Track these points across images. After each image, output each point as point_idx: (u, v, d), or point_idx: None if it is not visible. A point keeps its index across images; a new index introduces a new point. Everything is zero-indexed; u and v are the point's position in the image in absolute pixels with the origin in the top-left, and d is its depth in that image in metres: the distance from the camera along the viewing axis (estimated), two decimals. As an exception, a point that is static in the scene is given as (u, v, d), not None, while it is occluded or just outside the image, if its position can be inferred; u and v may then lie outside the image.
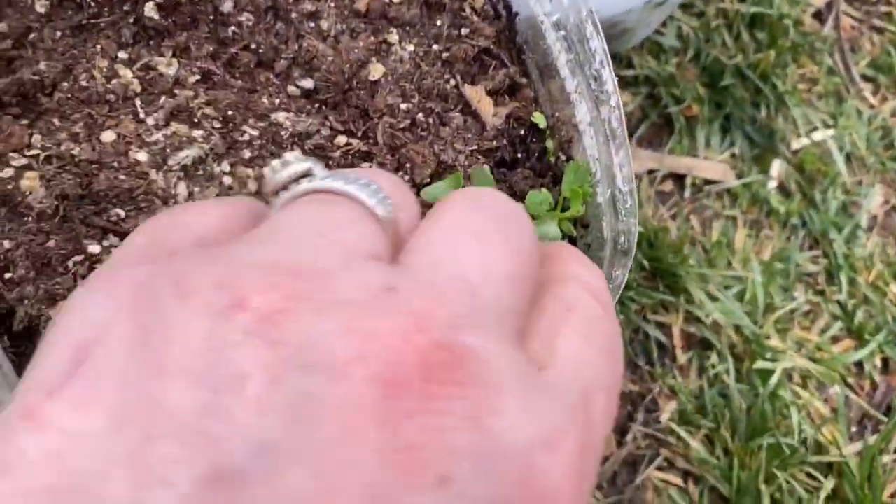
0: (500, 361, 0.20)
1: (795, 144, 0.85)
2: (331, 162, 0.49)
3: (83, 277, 0.44)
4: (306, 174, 0.27)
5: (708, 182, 0.83)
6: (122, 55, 0.48)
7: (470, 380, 0.19)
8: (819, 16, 0.92)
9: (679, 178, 0.83)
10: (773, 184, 0.83)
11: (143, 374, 0.19)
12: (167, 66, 0.48)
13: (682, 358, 0.74)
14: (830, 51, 0.90)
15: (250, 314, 0.19)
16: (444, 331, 0.20)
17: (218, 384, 0.18)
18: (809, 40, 0.89)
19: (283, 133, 0.48)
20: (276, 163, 0.28)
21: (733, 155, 0.85)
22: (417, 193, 0.50)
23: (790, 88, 0.86)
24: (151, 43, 0.48)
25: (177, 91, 0.48)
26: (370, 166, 0.50)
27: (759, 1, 0.87)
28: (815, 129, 0.86)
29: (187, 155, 0.46)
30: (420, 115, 0.52)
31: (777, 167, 0.84)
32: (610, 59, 0.44)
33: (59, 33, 0.48)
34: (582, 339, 0.25)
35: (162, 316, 0.19)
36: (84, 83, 0.46)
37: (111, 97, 0.47)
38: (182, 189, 0.46)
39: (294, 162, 0.28)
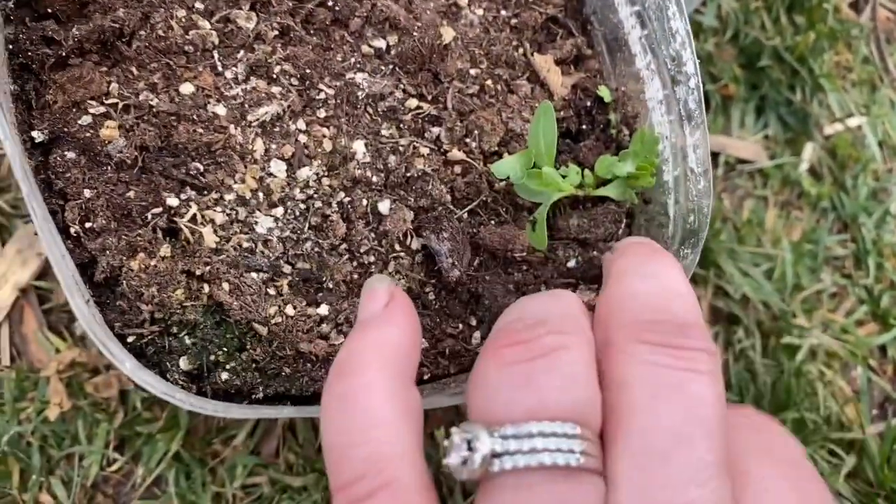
0: None
1: (828, 129, 0.86)
2: (402, 125, 0.49)
3: (162, 230, 0.44)
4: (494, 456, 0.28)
5: (741, 161, 0.84)
6: (199, 5, 0.47)
7: None
8: (856, 6, 0.92)
9: (713, 156, 0.84)
10: (804, 166, 0.84)
11: None
12: (246, 20, 0.47)
13: (709, 331, 0.75)
14: (866, 40, 0.90)
15: None
16: None
17: None
18: (846, 27, 0.89)
19: (358, 94, 0.48)
20: (456, 463, 0.28)
21: (766, 136, 0.85)
22: (486, 162, 0.50)
23: (826, 73, 0.86)
24: (228, -6, 0.48)
25: (256, 46, 0.47)
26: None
27: (799, -16, 0.87)
28: (851, 115, 0.86)
29: (266, 112, 0.46)
30: (489, 82, 0.52)
31: (809, 150, 0.85)
32: (693, 41, 0.44)
33: (134, -23, 0.47)
34: None
35: None
36: (161, 32, 0.46)
37: (189, 48, 0.46)
38: (259, 145, 0.46)
39: (477, 457, 0.28)
